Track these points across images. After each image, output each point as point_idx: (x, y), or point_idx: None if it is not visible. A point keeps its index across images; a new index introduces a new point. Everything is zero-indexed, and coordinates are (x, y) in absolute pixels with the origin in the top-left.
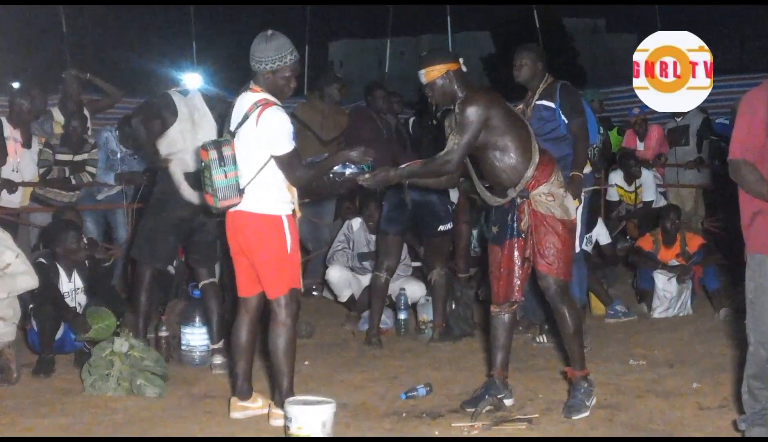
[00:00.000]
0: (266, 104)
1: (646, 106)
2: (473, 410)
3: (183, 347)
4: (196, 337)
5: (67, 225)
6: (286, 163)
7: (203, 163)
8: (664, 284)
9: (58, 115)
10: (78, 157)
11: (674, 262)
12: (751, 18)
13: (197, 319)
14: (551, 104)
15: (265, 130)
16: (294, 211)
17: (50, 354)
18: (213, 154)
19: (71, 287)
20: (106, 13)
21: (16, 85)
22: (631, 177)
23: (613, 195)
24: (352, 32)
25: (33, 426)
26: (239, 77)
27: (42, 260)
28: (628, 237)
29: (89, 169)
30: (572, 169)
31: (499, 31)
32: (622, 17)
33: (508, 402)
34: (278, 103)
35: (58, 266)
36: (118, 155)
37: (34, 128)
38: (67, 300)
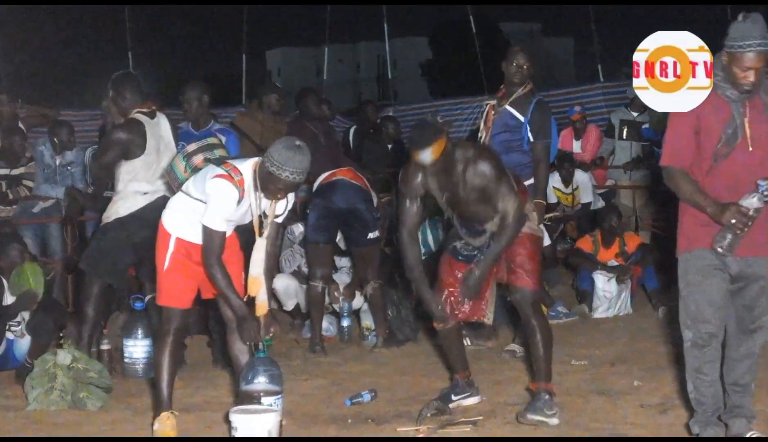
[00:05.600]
0: (225, 176)
1: (586, 108)
2: (418, 414)
3: (126, 360)
4: (138, 349)
5: (10, 239)
6: (206, 236)
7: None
8: (603, 284)
9: None
10: (15, 171)
11: (613, 262)
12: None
13: (140, 331)
14: (520, 117)
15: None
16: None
17: None
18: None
19: None
20: (41, 14)
21: None
22: (567, 179)
23: (551, 197)
24: (289, 40)
25: None
26: (174, 81)
27: None
28: (567, 238)
29: (26, 183)
30: (534, 195)
31: (436, 37)
32: (557, 21)
33: (475, 399)
34: (240, 186)
35: (3, 280)
36: (54, 167)
37: None
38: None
